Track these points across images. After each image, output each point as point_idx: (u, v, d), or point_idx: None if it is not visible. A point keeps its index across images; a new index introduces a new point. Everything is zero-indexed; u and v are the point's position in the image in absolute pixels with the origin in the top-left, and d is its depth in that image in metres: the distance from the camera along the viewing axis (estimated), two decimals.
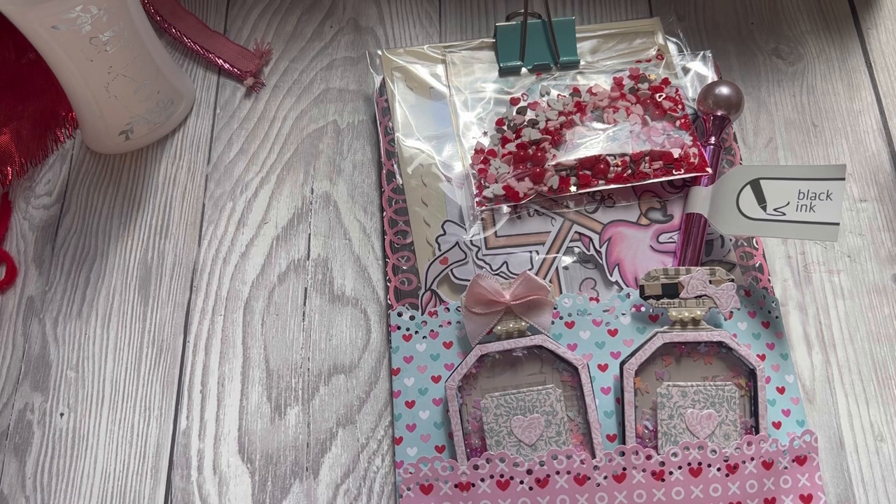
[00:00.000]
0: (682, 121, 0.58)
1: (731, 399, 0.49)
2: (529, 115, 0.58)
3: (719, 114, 0.58)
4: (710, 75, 0.61)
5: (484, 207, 0.56)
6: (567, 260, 0.55)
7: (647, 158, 0.56)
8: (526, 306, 0.50)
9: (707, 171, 0.56)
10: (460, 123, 0.59)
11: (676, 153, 0.56)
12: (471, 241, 0.55)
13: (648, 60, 0.61)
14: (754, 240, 0.56)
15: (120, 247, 0.59)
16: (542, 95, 0.60)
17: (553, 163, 0.56)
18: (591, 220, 0.56)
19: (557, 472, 0.48)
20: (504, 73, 0.61)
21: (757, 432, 0.49)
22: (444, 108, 0.60)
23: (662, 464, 0.48)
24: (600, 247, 0.55)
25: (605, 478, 0.48)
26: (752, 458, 0.48)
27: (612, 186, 0.56)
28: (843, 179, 0.51)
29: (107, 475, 0.52)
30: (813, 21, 0.66)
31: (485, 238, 0.55)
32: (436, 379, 0.51)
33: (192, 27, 0.67)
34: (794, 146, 0.61)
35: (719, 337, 0.50)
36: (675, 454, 0.48)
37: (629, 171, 0.56)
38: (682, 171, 0.56)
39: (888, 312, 0.55)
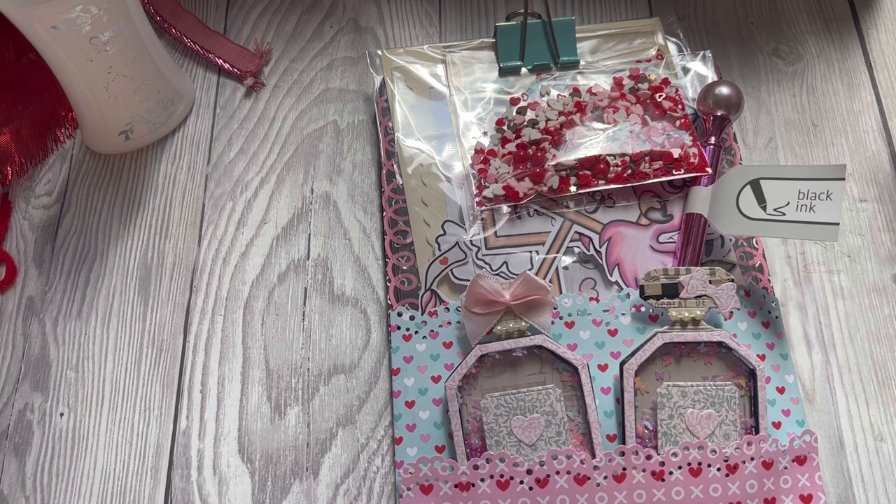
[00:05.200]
0: (682, 121, 0.58)
1: (731, 399, 0.49)
2: (529, 115, 0.58)
3: (719, 114, 0.58)
4: (710, 75, 0.61)
5: (484, 207, 0.56)
6: (567, 260, 0.55)
7: (647, 158, 0.56)
8: (526, 306, 0.50)
9: (707, 171, 0.56)
10: (460, 123, 0.59)
11: (676, 153, 0.56)
12: (471, 241, 0.55)
13: (648, 60, 0.61)
14: (754, 240, 0.56)
15: (120, 247, 0.59)
16: (542, 95, 0.60)
17: (553, 163, 0.56)
18: (591, 220, 0.56)
19: (557, 472, 0.48)
20: (504, 73, 0.61)
21: (757, 432, 0.49)
22: (444, 108, 0.60)
23: (662, 464, 0.48)
24: (600, 247, 0.55)
25: (605, 478, 0.48)
26: (752, 458, 0.48)
27: (612, 186, 0.56)
28: (843, 179, 0.51)
29: (107, 475, 0.52)
30: (813, 21, 0.66)
31: (485, 238, 0.55)
32: (436, 379, 0.51)
33: (192, 27, 0.67)
34: (794, 146, 0.61)
35: (719, 337, 0.50)
36: (675, 454, 0.48)
37: (629, 171, 0.56)
38: (682, 171, 0.56)
39: (888, 312, 0.55)
